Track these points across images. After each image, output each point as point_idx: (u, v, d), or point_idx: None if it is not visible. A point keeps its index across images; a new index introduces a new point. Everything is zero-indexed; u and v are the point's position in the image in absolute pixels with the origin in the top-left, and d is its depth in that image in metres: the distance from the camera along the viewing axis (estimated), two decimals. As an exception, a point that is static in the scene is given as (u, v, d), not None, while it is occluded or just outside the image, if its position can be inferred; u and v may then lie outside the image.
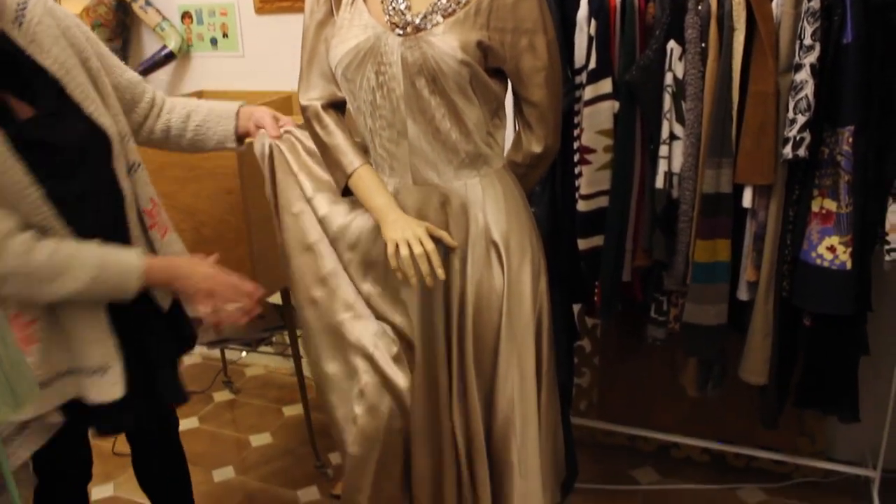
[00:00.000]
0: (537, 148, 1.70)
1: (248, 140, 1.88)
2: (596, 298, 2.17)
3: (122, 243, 1.59)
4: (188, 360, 3.66)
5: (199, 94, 2.95)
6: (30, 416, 1.55)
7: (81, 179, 1.53)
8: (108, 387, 1.59)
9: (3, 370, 1.17)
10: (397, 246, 1.54)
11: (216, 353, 3.50)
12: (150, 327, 1.70)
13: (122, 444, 2.46)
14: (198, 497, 2.68)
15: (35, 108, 1.48)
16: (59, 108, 1.51)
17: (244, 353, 3.59)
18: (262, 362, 3.61)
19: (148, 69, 3.22)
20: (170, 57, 3.21)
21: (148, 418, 1.78)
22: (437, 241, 1.59)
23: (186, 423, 3.15)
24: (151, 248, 1.73)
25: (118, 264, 1.54)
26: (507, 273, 1.63)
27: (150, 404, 1.71)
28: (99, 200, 1.58)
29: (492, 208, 1.64)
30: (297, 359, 2.75)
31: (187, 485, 2.15)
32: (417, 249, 1.53)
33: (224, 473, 2.84)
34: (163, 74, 3.29)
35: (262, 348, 3.03)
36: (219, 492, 2.73)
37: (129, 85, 1.75)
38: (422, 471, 1.74)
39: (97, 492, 2.74)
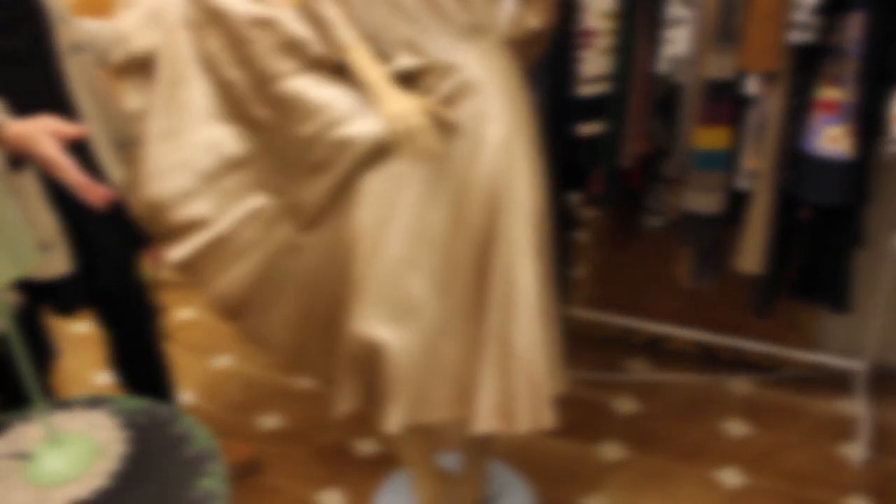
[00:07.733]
0: (535, 23, 1.68)
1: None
2: (594, 186, 2.17)
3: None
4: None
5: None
6: None
7: (11, 37, 1.53)
8: (55, 264, 1.63)
9: (5, 233, 1.18)
10: (394, 120, 1.53)
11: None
12: (96, 217, 1.69)
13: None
14: (197, 385, 2.74)
15: None
16: None
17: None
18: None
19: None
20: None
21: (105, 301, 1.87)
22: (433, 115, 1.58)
23: (185, 314, 3.19)
24: None
25: None
26: (504, 151, 1.62)
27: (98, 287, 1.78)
28: (34, 65, 1.58)
29: (489, 84, 1.61)
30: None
31: (165, 387, 2.13)
32: (414, 123, 1.52)
33: (223, 361, 2.89)
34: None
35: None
36: (219, 379, 2.79)
37: None
38: None
39: (100, 378, 2.80)
